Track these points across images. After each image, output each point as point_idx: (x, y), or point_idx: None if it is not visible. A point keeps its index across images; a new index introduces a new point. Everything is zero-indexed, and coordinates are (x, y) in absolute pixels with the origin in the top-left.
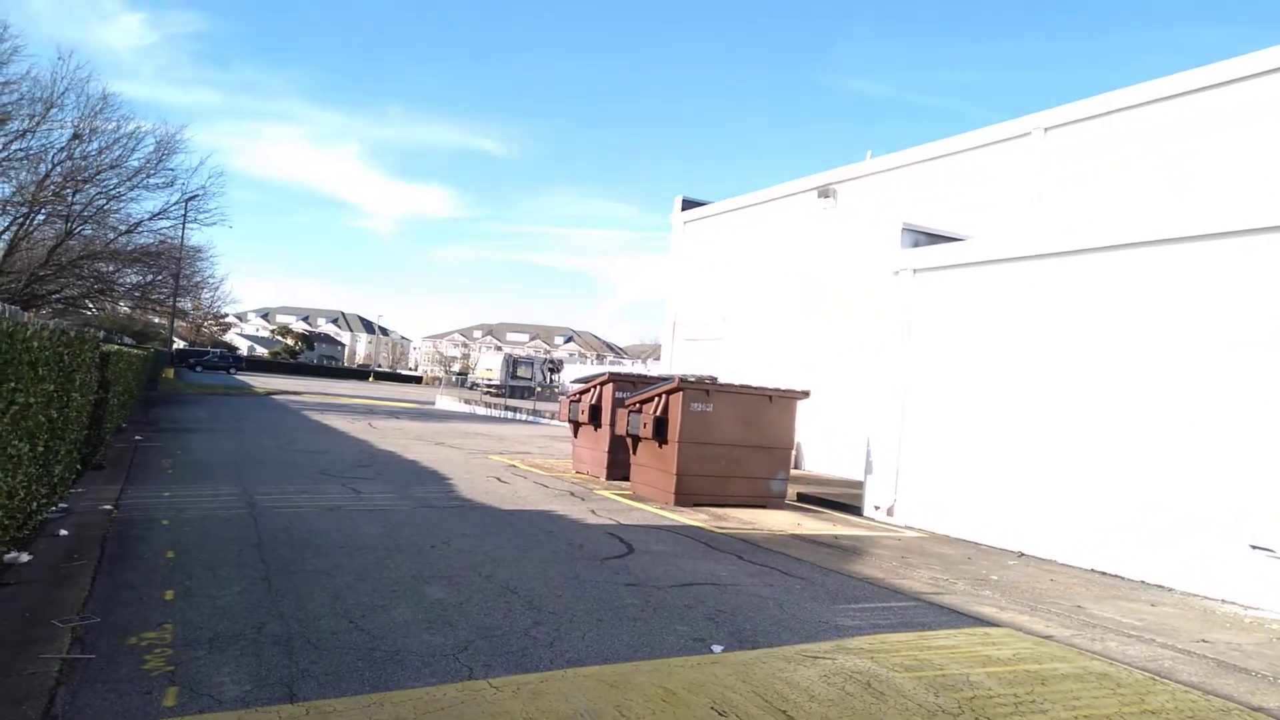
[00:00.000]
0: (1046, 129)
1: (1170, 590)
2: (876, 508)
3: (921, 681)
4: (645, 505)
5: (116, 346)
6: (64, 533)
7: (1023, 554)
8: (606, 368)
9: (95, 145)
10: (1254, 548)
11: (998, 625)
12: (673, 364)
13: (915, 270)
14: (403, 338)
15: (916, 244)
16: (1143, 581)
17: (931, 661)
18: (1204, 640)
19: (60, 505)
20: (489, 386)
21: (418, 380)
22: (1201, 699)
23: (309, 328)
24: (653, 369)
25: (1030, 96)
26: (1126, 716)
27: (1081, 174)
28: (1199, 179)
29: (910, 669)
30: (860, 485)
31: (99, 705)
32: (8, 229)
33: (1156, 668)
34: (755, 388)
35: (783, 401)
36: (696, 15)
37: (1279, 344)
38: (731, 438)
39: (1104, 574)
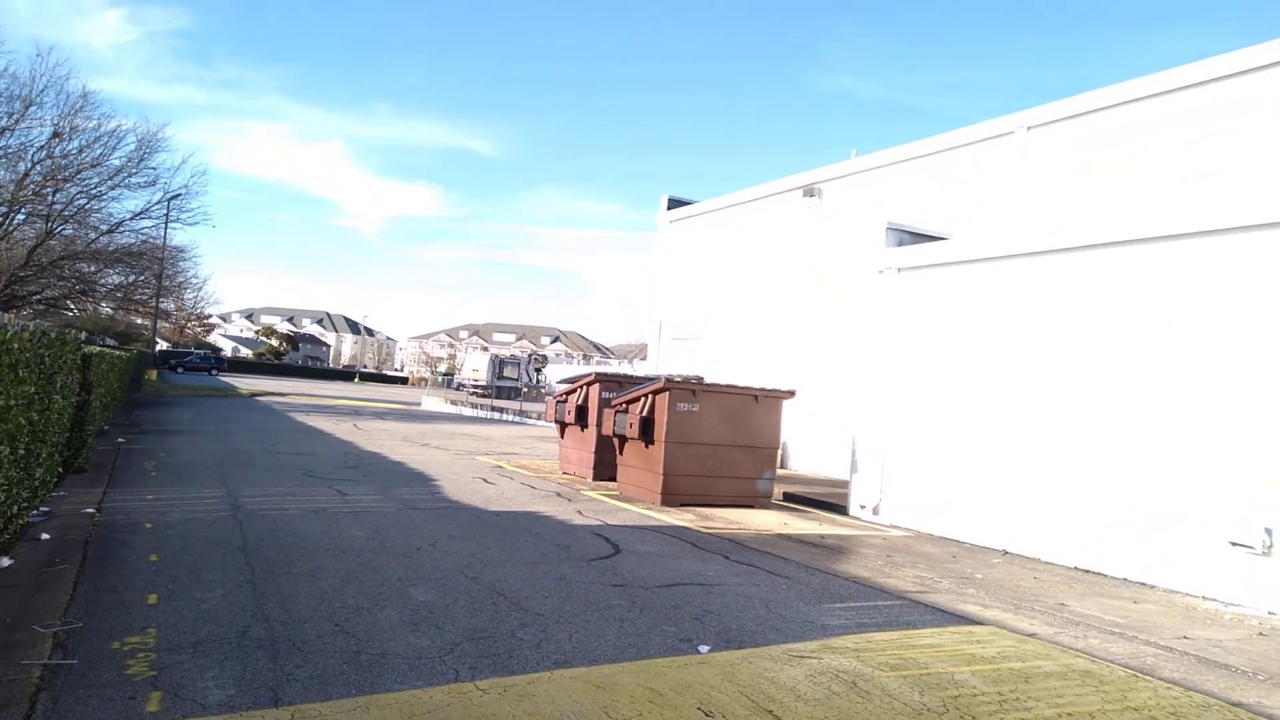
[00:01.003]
0: (1029, 128)
1: (1153, 587)
2: (862, 507)
3: (907, 680)
4: (632, 506)
5: (99, 348)
6: (45, 536)
7: (1007, 552)
8: (593, 368)
9: (75, 144)
10: (1234, 544)
11: (982, 624)
12: (659, 364)
13: (899, 269)
14: (388, 338)
15: (901, 243)
16: (1125, 579)
17: (917, 660)
18: (1185, 637)
19: (42, 509)
20: (475, 387)
21: (403, 381)
22: (1183, 695)
23: (293, 328)
24: (639, 369)
25: (1015, 96)
26: (1109, 713)
27: (1062, 173)
28: (1175, 178)
29: (895, 668)
30: (846, 484)
31: (81, 711)
32: None
33: (1139, 665)
34: (741, 387)
35: (769, 401)
36: (683, 16)
37: (1256, 344)
38: (718, 438)
39: (1087, 572)
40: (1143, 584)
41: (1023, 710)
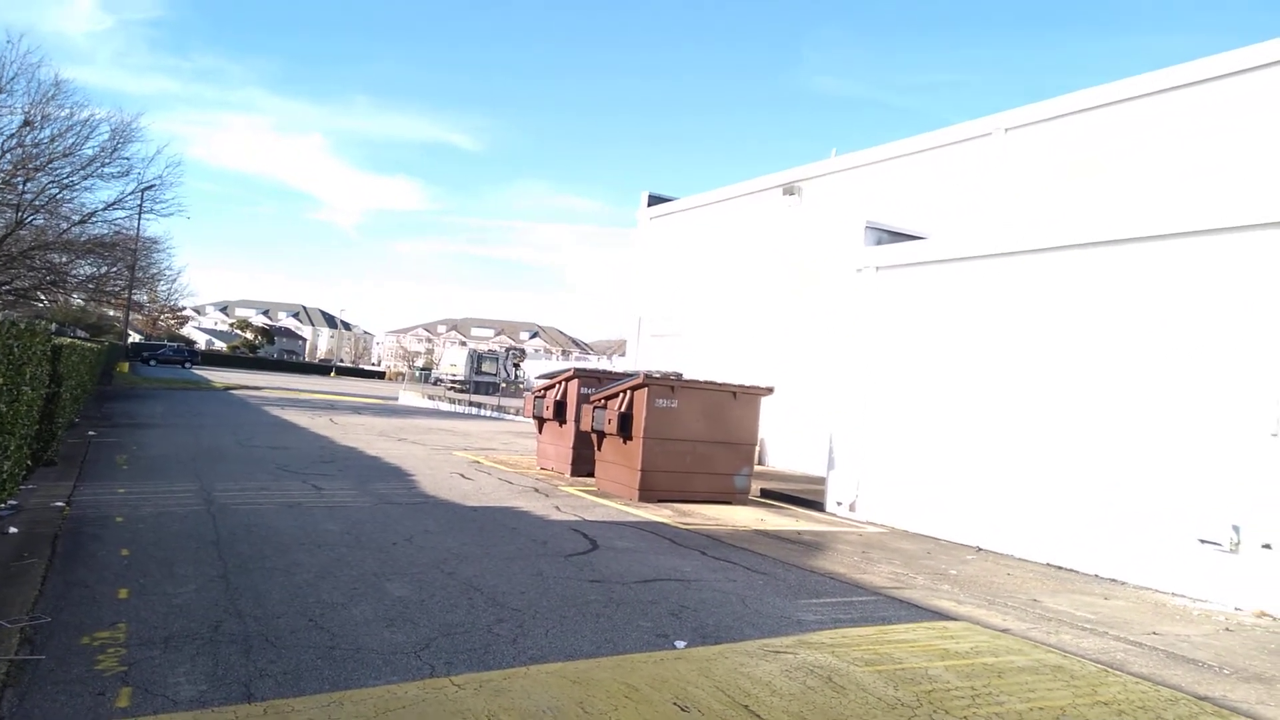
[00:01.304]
0: (1007, 129)
1: (1123, 584)
2: (839, 504)
3: (881, 675)
4: (610, 501)
5: (69, 340)
6: (14, 530)
7: (981, 549)
8: (572, 363)
9: (47, 132)
10: (1202, 542)
11: (956, 619)
12: (638, 360)
13: (878, 268)
14: (365, 332)
15: (879, 242)
16: (1097, 575)
17: (891, 655)
18: (1155, 633)
19: (10, 503)
20: (453, 382)
21: (381, 376)
22: (1151, 690)
23: (269, 321)
24: (618, 365)
25: (994, 97)
26: (1080, 708)
27: (1040, 174)
28: (1149, 180)
29: (870, 663)
30: (823, 481)
31: (48, 707)
32: None
33: (1109, 660)
34: (720, 384)
35: (747, 398)
36: (666, 13)
37: (1225, 346)
38: (696, 434)
39: (1060, 568)
40: (1114, 581)
41: (995, 705)
